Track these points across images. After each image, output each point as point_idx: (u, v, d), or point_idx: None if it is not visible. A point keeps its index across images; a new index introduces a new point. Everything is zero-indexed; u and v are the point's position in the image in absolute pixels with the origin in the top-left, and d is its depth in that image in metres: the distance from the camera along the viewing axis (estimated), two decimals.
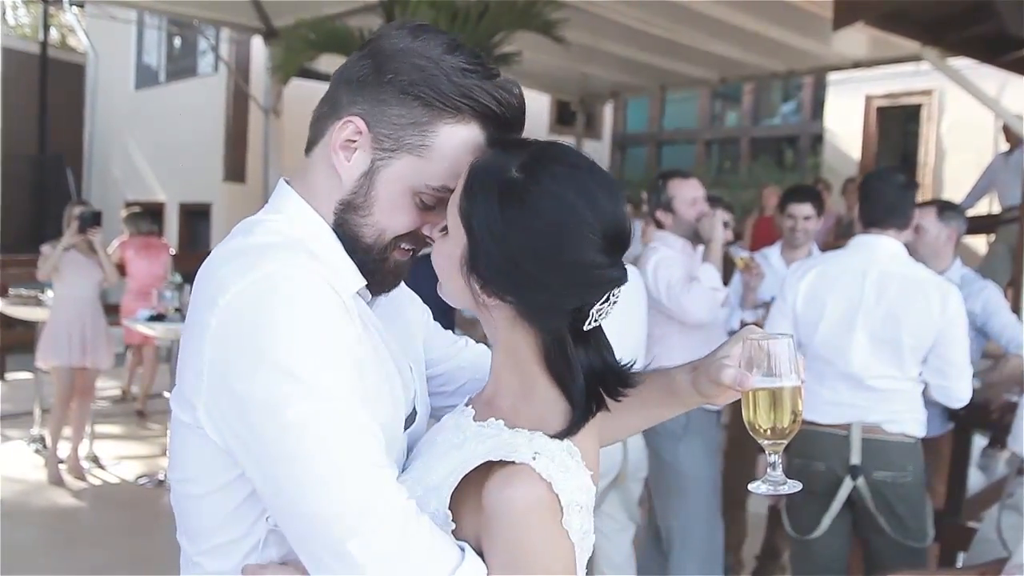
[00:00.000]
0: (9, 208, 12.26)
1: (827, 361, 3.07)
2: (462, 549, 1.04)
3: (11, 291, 7.13)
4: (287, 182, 1.23)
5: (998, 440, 4.34)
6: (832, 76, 11.13)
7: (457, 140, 1.14)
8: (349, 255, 1.18)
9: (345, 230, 1.18)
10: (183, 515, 1.17)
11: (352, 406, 1.04)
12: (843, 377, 3.04)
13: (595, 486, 1.07)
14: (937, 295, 2.97)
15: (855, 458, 3.00)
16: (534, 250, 1.05)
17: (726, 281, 4.20)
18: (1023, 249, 5.92)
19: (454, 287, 1.13)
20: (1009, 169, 7.39)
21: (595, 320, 1.09)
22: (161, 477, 5.64)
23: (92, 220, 5.76)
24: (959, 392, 3.04)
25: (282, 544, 1.11)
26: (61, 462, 5.76)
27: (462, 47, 1.16)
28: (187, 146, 12.90)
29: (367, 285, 1.20)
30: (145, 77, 14.40)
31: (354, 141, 1.16)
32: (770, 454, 1.15)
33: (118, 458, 6.25)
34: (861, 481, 3.00)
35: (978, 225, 7.03)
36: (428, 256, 1.19)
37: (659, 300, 3.53)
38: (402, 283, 1.30)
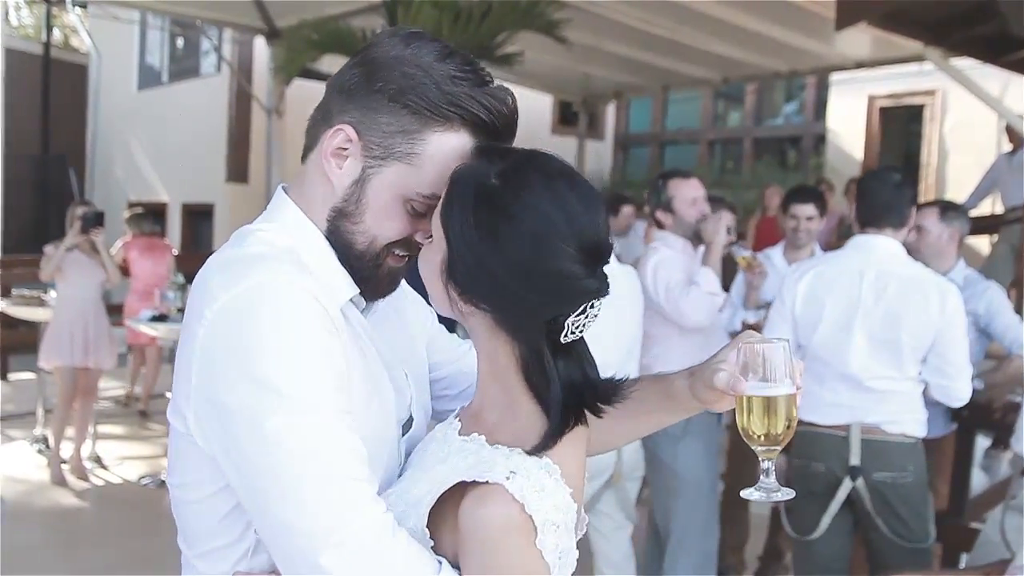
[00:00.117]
0: (12, 208, 12.26)
1: (826, 362, 3.07)
2: (439, 563, 1.05)
3: (14, 291, 7.14)
4: (284, 190, 1.24)
5: (1001, 441, 4.34)
6: (835, 76, 11.12)
7: (447, 148, 1.15)
8: (342, 262, 1.19)
9: (338, 237, 1.19)
10: (180, 519, 1.20)
11: (331, 419, 1.06)
12: (842, 378, 3.04)
13: (576, 503, 1.07)
14: (936, 294, 2.96)
15: (854, 459, 3.00)
16: (507, 259, 1.05)
17: (729, 281, 4.20)
18: None
19: (436, 294, 1.14)
20: (1012, 169, 7.39)
21: (572, 332, 1.08)
22: (164, 477, 5.64)
23: (95, 220, 5.76)
24: (959, 391, 3.03)
25: None
26: (64, 462, 5.77)
27: (455, 54, 1.16)
28: (190, 146, 12.92)
29: (361, 292, 1.21)
30: (148, 77, 14.41)
31: (345, 149, 1.17)
32: (763, 460, 1.14)
33: (121, 458, 6.26)
34: (860, 482, 3.00)
35: (981, 225, 7.02)
36: None
37: (657, 302, 3.52)
38: (406, 285, 1.31)
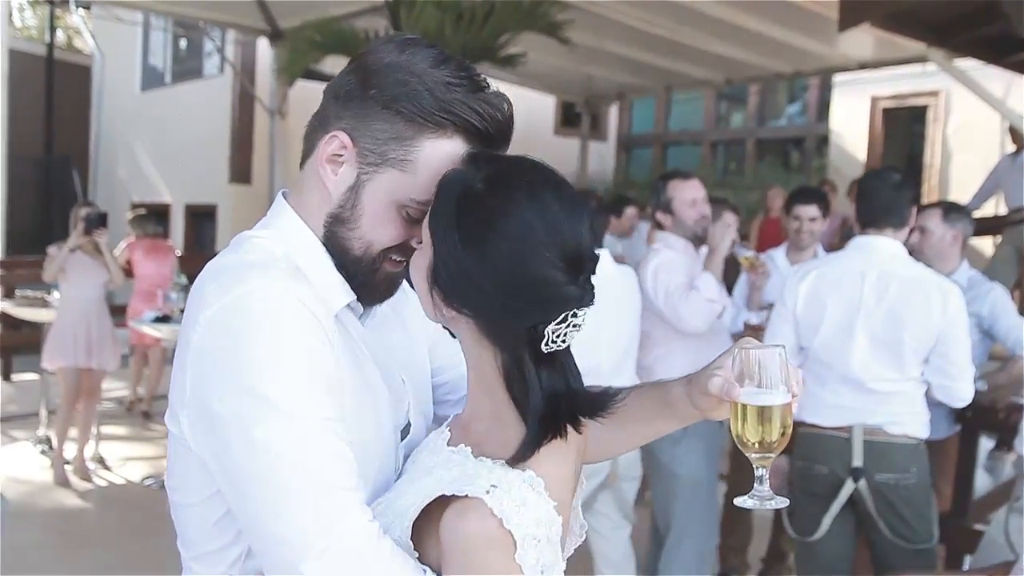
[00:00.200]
0: (15, 209, 12.27)
1: (828, 364, 3.06)
2: (424, 572, 1.06)
3: (17, 292, 7.14)
4: (284, 196, 1.26)
5: (1005, 442, 4.33)
6: (838, 77, 11.10)
7: (441, 154, 1.15)
8: (339, 268, 1.20)
9: (334, 243, 1.20)
10: (177, 521, 1.22)
11: (319, 427, 1.07)
12: (844, 380, 3.04)
13: (560, 516, 1.06)
14: (938, 295, 2.96)
15: (857, 460, 2.99)
16: (487, 264, 1.05)
17: (732, 282, 4.19)
18: None
19: (423, 299, 1.15)
20: (1015, 170, 7.37)
21: (554, 341, 1.07)
22: (166, 479, 5.64)
23: (98, 221, 5.76)
24: (961, 392, 3.03)
25: None
26: (67, 463, 5.77)
27: (450, 60, 1.17)
28: (193, 148, 12.93)
29: (359, 297, 1.22)
30: (151, 79, 14.43)
31: (340, 155, 1.18)
32: (757, 468, 1.13)
33: (124, 459, 6.26)
34: (863, 483, 2.99)
35: (984, 226, 7.01)
36: None
37: (657, 305, 3.52)
38: (409, 289, 1.31)
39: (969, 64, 6.87)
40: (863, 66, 8.67)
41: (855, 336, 3.01)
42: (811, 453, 3.09)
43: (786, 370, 1.10)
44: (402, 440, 1.25)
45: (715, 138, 15.45)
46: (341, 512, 1.05)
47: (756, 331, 3.91)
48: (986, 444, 4.29)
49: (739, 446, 1.12)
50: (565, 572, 1.26)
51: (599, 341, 3.23)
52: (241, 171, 12.33)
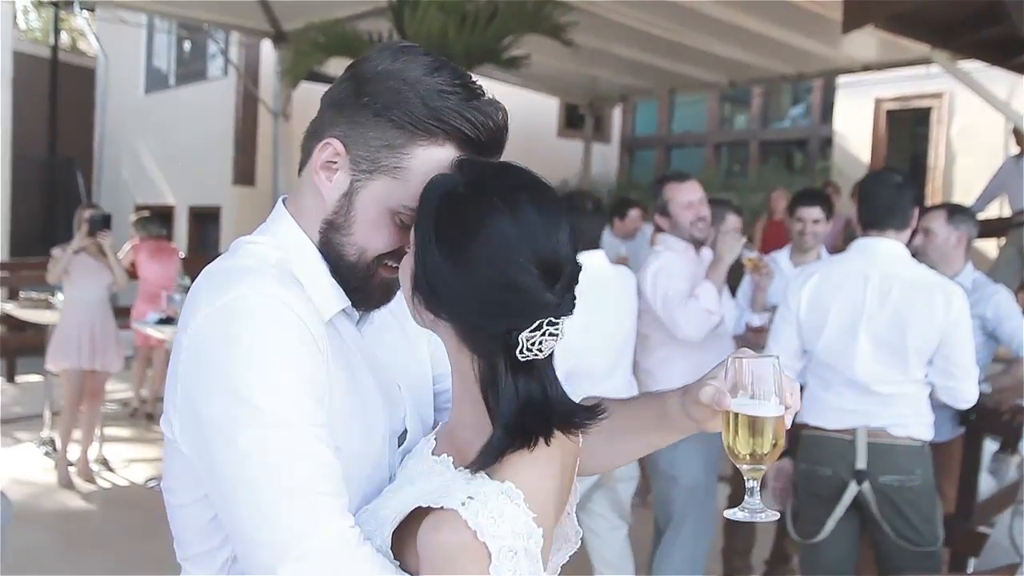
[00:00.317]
0: (19, 211, 12.31)
1: (831, 367, 3.06)
2: None
3: (21, 294, 7.17)
4: (284, 201, 1.27)
5: (1009, 445, 4.32)
6: (841, 79, 11.11)
7: (433, 162, 1.15)
8: (334, 274, 1.21)
9: (329, 249, 1.21)
10: (171, 522, 1.23)
11: (303, 433, 1.07)
12: (848, 383, 3.03)
13: (540, 527, 1.05)
14: (941, 296, 2.95)
15: (860, 462, 2.99)
16: (462, 268, 1.06)
17: (736, 283, 4.19)
18: None
19: (408, 304, 1.15)
20: (1019, 172, 7.35)
21: (529, 349, 1.06)
22: None
23: (102, 223, 5.78)
24: (965, 393, 3.02)
25: None
26: (71, 465, 5.78)
27: (444, 68, 1.17)
28: (196, 149, 12.95)
29: (354, 303, 1.23)
30: (155, 81, 14.46)
31: (334, 162, 1.19)
32: (748, 480, 1.11)
33: (128, 461, 6.27)
34: (867, 485, 2.99)
35: (988, 228, 7.00)
36: None
37: (655, 309, 3.52)
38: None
39: (973, 66, 6.86)
40: (867, 68, 8.66)
41: (858, 338, 3.00)
42: (815, 455, 3.09)
43: (780, 381, 1.08)
44: (399, 447, 1.26)
45: (719, 140, 15.45)
46: (320, 517, 1.05)
47: (758, 333, 3.91)
48: (990, 446, 4.28)
49: (730, 458, 1.11)
50: (562, 572, 1.26)
51: (593, 341, 3.23)
52: (245, 173, 12.34)
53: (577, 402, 1.15)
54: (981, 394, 3.13)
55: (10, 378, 8.77)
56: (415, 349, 1.36)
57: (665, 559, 3.59)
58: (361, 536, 1.07)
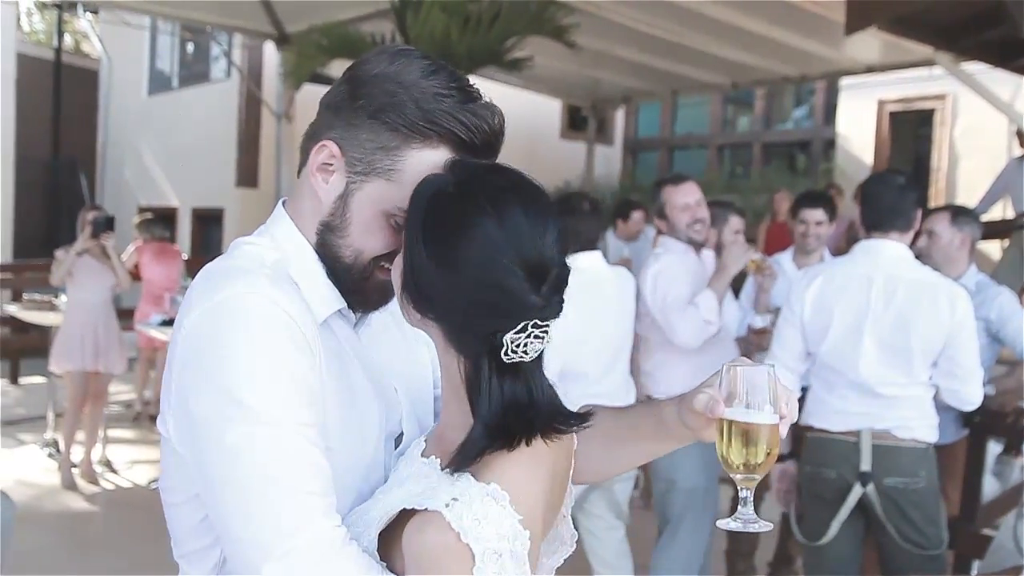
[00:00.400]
0: (23, 213, 12.33)
1: (836, 369, 3.05)
2: None
3: (25, 296, 7.16)
4: (283, 203, 1.28)
5: (1013, 446, 4.32)
6: (844, 81, 11.11)
7: (427, 164, 1.16)
8: (330, 275, 1.22)
9: (326, 251, 1.22)
10: (167, 520, 1.24)
11: (291, 432, 1.08)
12: (852, 385, 3.03)
13: (527, 529, 1.04)
14: (945, 298, 2.95)
15: (865, 464, 2.98)
16: (448, 269, 1.06)
17: (739, 285, 4.18)
18: None
19: (399, 304, 1.16)
20: (1022, 174, 7.35)
21: (514, 351, 1.06)
22: None
23: (105, 225, 5.78)
24: (970, 395, 3.02)
25: None
26: (74, 466, 5.78)
27: (441, 71, 1.18)
28: (200, 151, 12.96)
29: (350, 305, 1.24)
30: (158, 83, 14.48)
31: (330, 164, 1.20)
32: (742, 490, 1.10)
33: (131, 462, 6.27)
34: (871, 487, 2.98)
35: (992, 230, 6.99)
36: None
37: (653, 311, 3.52)
38: None
39: (976, 67, 6.85)
40: (870, 69, 8.65)
41: (863, 341, 3.00)
42: (819, 458, 3.09)
43: (775, 390, 1.07)
44: (395, 448, 1.26)
45: (721, 142, 15.46)
46: (306, 516, 1.06)
47: (761, 334, 3.90)
48: (994, 448, 4.28)
49: (724, 467, 1.10)
50: (560, 572, 1.26)
51: (589, 341, 3.23)
52: (248, 175, 12.36)
53: (566, 407, 1.15)
54: (985, 396, 3.13)
55: (13, 380, 8.77)
56: (414, 351, 1.36)
57: (661, 560, 3.60)
58: (347, 536, 1.07)
